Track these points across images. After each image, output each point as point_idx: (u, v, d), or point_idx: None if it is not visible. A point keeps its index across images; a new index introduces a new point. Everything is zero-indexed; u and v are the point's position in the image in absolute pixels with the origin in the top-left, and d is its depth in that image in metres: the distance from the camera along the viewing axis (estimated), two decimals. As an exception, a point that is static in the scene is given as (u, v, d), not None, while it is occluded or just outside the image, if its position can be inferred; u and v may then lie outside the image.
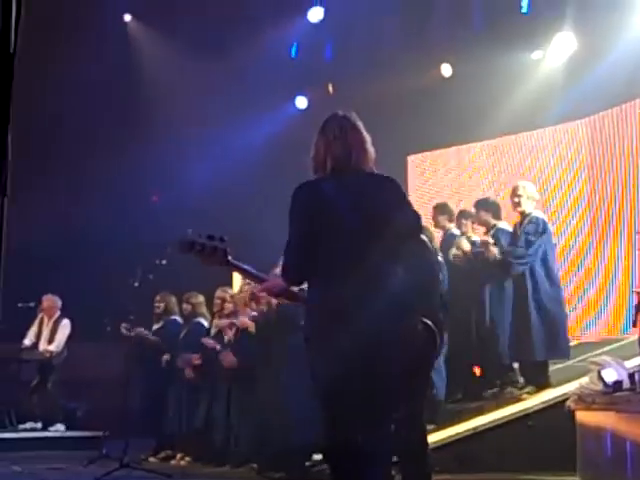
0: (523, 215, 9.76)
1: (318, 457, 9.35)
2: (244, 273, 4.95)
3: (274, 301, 9.01)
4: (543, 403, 8.85)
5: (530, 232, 9.56)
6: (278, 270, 5.68)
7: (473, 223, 10.34)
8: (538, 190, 10.73)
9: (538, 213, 9.89)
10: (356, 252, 4.41)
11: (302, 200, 4.54)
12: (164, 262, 10.66)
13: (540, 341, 9.42)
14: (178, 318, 11.98)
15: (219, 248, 4.55)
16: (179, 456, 11.17)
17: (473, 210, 10.33)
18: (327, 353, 4.33)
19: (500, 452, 8.54)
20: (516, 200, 9.77)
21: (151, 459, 11.25)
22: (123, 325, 11.34)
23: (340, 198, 4.48)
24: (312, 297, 4.53)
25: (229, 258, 4.61)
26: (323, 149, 4.65)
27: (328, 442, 4.48)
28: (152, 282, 10.85)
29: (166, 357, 11.49)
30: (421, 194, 15.04)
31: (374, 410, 4.37)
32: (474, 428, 8.82)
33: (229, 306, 10.91)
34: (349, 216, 4.45)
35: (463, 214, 10.46)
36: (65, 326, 13.31)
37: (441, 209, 10.61)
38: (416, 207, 14.66)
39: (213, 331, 11.09)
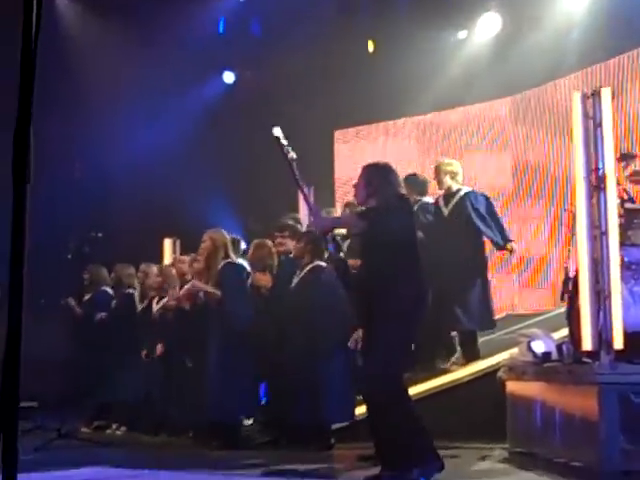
0: (449, 191, 9.88)
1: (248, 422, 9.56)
2: None
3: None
4: (474, 374, 9.08)
5: (487, 209, 9.74)
6: None
7: None
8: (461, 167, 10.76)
9: (468, 189, 10.01)
10: None
11: None
12: (100, 235, 10.61)
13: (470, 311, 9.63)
14: (108, 289, 11.95)
15: None
16: (115, 426, 11.13)
17: None
18: None
19: (431, 422, 8.67)
20: (440, 178, 9.90)
21: (85, 429, 11.05)
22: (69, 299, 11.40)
23: None
24: None
25: None
26: None
27: None
28: (88, 255, 10.78)
29: (101, 315, 11.49)
30: (347, 168, 15.16)
31: None
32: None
33: (158, 279, 10.99)
34: None
35: None
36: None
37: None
38: (342, 181, 14.61)
39: (145, 302, 11.19)
